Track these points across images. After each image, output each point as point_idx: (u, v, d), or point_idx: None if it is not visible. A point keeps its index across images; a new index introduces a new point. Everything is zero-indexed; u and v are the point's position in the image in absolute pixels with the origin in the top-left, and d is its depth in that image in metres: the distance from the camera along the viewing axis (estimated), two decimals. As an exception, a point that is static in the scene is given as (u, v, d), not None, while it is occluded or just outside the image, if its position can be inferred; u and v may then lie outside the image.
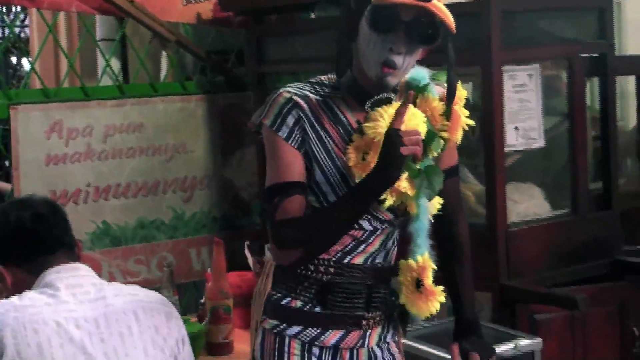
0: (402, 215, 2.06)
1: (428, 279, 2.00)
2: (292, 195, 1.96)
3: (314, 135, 1.98)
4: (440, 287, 2.01)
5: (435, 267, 2.01)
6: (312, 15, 3.87)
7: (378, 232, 2.05)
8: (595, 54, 3.08)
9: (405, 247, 2.03)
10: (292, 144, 1.97)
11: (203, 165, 3.91)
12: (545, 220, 3.01)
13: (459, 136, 2.03)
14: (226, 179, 3.97)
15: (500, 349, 2.45)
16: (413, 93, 1.94)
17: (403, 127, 1.91)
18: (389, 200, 1.98)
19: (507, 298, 2.82)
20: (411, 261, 2.01)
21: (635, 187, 3.48)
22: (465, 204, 2.93)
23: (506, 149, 2.87)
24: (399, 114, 1.90)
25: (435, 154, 2.00)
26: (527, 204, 3.01)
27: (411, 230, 2.01)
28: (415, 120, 1.93)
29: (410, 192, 1.97)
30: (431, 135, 1.95)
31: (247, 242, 3.03)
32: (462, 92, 2.01)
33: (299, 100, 1.98)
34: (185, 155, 3.87)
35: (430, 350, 2.59)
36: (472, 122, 2.03)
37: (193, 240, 3.87)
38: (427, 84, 2.00)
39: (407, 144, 1.85)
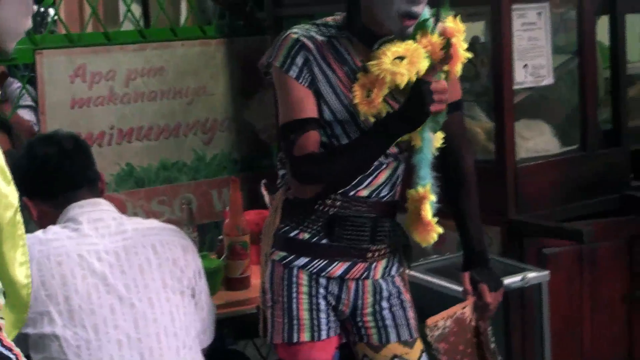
0: (407, 149, 2.13)
1: (425, 210, 2.07)
2: (308, 131, 2.02)
3: (321, 75, 2.04)
4: (435, 219, 2.08)
5: (434, 199, 2.09)
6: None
7: (384, 166, 2.12)
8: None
9: (411, 179, 2.10)
10: (303, 83, 2.03)
11: (223, 108, 3.96)
12: (554, 156, 3.05)
13: (458, 69, 2.08)
14: (246, 121, 4.02)
15: (508, 280, 2.51)
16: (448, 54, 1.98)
17: (405, 62, 1.97)
18: None
19: (515, 232, 2.87)
20: (413, 191, 2.09)
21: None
22: (475, 141, 3.00)
23: (515, 87, 2.89)
24: (433, 69, 1.95)
25: None
26: (536, 140, 3.03)
27: (415, 163, 2.08)
28: (418, 56, 1.98)
29: None
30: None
31: (263, 181, 3.10)
32: (460, 26, 2.04)
33: (306, 41, 2.04)
34: (205, 98, 3.92)
35: (441, 283, 2.64)
36: (469, 55, 2.08)
37: (214, 182, 3.94)
38: (427, 20, 2.04)
39: (436, 100, 1.92)
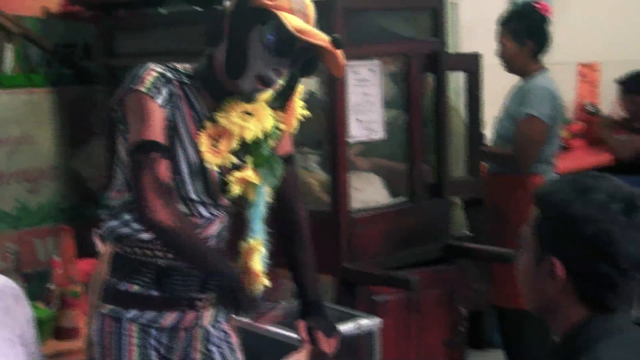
0: (239, 203, 2.16)
1: (254, 262, 2.13)
2: (162, 158, 2.00)
3: (179, 113, 2.05)
4: (264, 270, 2.15)
5: (264, 252, 2.15)
6: (162, 11, 3.91)
7: (215, 219, 2.14)
8: (429, 52, 3.23)
9: (244, 231, 2.15)
10: (165, 112, 2.02)
11: (50, 157, 3.87)
12: (385, 207, 3.15)
13: (294, 124, 2.17)
14: (74, 170, 3.96)
15: (342, 327, 2.57)
16: None
17: (253, 118, 2.04)
18: (236, 189, 2.09)
19: (348, 280, 2.95)
20: (244, 243, 2.14)
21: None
22: (309, 192, 3.08)
23: (349, 140, 3.00)
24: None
25: (274, 144, 2.14)
26: (367, 191, 3.15)
27: (248, 216, 2.13)
28: (264, 114, 2.07)
29: (256, 181, 2.10)
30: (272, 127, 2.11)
31: (96, 230, 3.04)
32: (299, 87, 2.14)
33: (169, 77, 2.05)
34: (30, 147, 3.82)
35: (277, 331, 2.67)
36: (306, 113, 2.17)
37: (38, 231, 3.82)
38: None
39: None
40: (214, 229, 2.14)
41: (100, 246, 2.98)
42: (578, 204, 1.48)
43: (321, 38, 1.97)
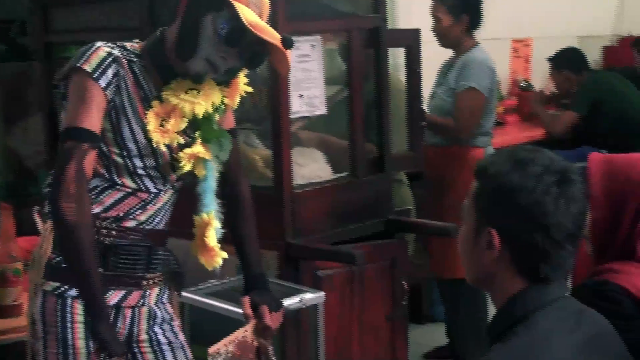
0: (185, 178, 2.17)
1: (209, 237, 2.15)
2: (94, 149, 2.00)
3: (125, 92, 2.05)
4: (218, 244, 2.17)
5: (218, 225, 2.17)
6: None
7: (162, 193, 2.15)
8: (370, 27, 3.23)
9: (196, 206, 2.15)
10: (107, 94, 2.02)
11: (-17, 134, 3.83)
12: (327, 182, 3.17)
13: (236, 101, 2.19)
14: (10, 147, 3.91)
15: (287, 302, 2.58)
16: None
17: (201, 94, 2.06)
18: (187, 165, 2.11)
19: (291, 255, 2.96)
20: (198, 218, 2.15)
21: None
22: (253, 168, 3.09)
23: (291, 116, 3.00)
24: None
25: (219, 119, 2.15)
26: (310, 167, 3.16)
27: (199, 191, 2.15)
28: (212, 89, 2.09)
29: (207, 156, 2.11)
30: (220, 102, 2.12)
31: (36, 208, 3.01)
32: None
33: (117, 56, 2.04)
34: (-36, 124, 3.78)
35: (221, 306, 2.67)
36: (249, 89, 2.19)
37: (-27, 209, 3.77)
38: None
39: None
40: (161, 203, 2.15)
41: (40, 224, 2.96)
42: (514, 176, 1.52)
43: (273, 35, 1.99)
